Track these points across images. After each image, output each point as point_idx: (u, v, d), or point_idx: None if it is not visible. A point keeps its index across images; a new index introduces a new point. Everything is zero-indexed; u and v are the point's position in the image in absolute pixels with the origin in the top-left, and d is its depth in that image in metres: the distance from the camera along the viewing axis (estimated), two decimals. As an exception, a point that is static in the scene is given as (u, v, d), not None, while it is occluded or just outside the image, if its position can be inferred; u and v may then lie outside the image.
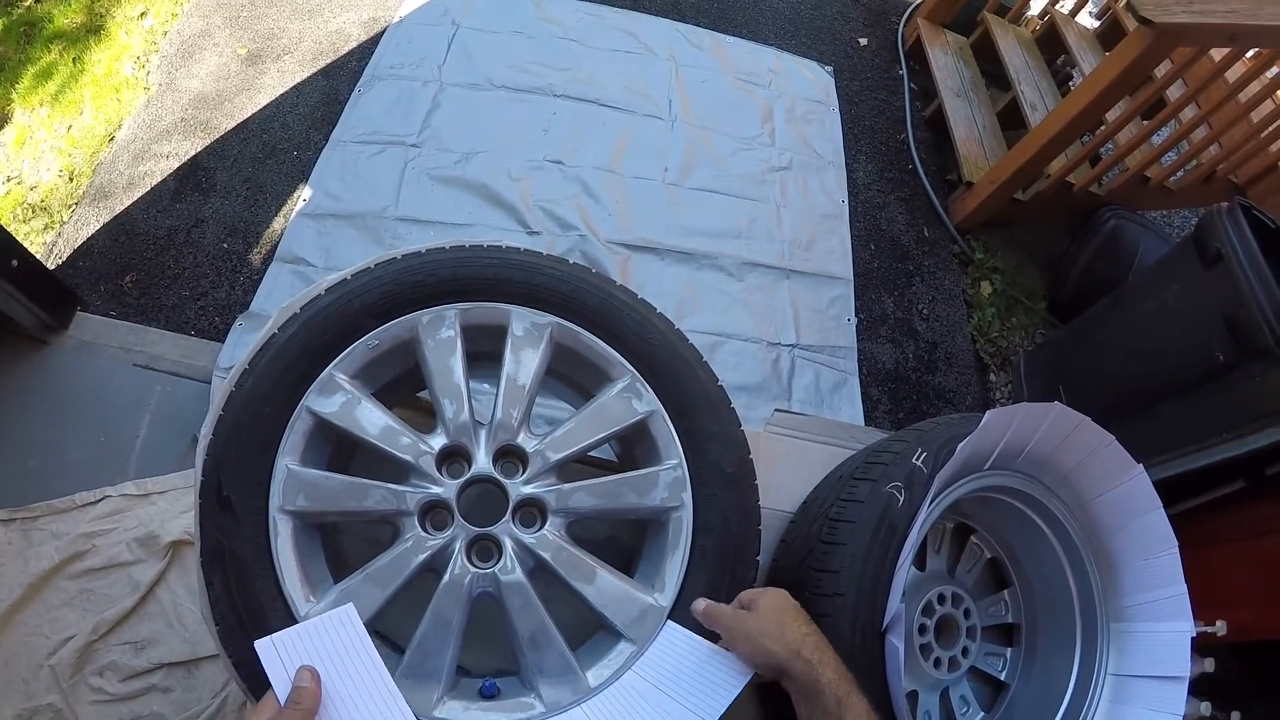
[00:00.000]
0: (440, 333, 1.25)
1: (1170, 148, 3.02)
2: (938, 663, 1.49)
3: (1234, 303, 1.97)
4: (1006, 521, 1.58)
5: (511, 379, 1.25)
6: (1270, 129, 2.91)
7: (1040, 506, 1.50)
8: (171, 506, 1.99)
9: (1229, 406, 2.01)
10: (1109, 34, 3.56)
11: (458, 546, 1.16)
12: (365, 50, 3.21)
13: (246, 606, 1.09)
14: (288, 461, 1.16)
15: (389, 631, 1.22)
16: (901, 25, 4.03)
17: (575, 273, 1.33)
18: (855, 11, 4.06)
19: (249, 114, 2.97)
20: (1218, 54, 2.69)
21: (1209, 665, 1.52)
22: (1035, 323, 3.15)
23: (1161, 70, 2.85)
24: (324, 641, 0.91)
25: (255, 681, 1.07)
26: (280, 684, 0.87)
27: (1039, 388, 2.73)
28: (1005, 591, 1.62)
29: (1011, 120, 3.42)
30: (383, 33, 3.27)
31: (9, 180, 2.84)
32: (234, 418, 1.16)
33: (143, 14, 3.33)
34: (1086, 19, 3.96)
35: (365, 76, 3.10)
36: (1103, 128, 3.01)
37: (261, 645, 0.89)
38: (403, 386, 1.38)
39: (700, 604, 1.11)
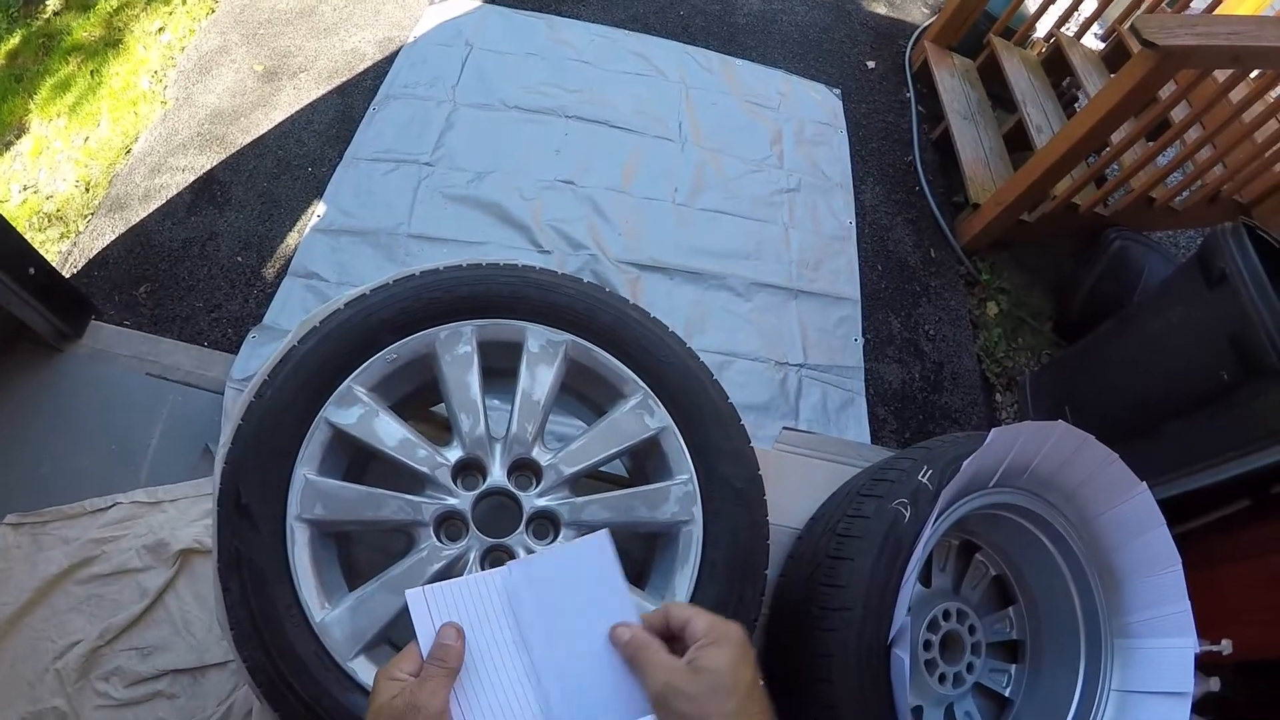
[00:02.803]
0: (457, 348, 1.27)
1: (1175, 169, 3.04)
2: (943, 678, 1.50)
3: (1239, 322, 1.99)
4: (1011, 538, 1.59)
5: (527, 394, 1.28)
6: (1274, 149, 2.91)
7: (1045, 524, 1.52)
8: (182, 515, 2.01)
9: (1234, 425, 2.02)
10: (1114, 56, 3.59)
11: (472, 557, 1.18)
12: (380, 69, 3.25)
13: (262, 612, 1.11)
14: (305, 471, 1.18)
15: (401, 640, 1.23)
16: (909, 48, 4.06)
17: (590, 291, 1.35)
18: (863, 35, 4.10)
19: (264, 130, 3.00)
20: (1221, 75, 2.71)
21: (1214, 684, 1.53)
22: (1041, 343, 3.16)
23: (1166, 92, 2.87)
24: (473, 602, 0.89)
25: (269, 687, 1.09)
26: (425, 636, 0.85)
27: (1045, 408, 2.74)
28: (1010, 608, 1.64)
29: (1018, 142, 3.45)
30: (397, 52, 3.32)
31: (26, 189, 2.88)
32: (253, 427, 1.18)
33: (161, 29, 3.38)
34: (1092, 40, 3.99)
35: (380, 95, 3.14)
36: (1108, 149, 3.02)
37: (412, 595, 0.87)
38: (419, 400, 1.40)
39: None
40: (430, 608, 0.88)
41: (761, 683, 0.80)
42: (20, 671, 1.81)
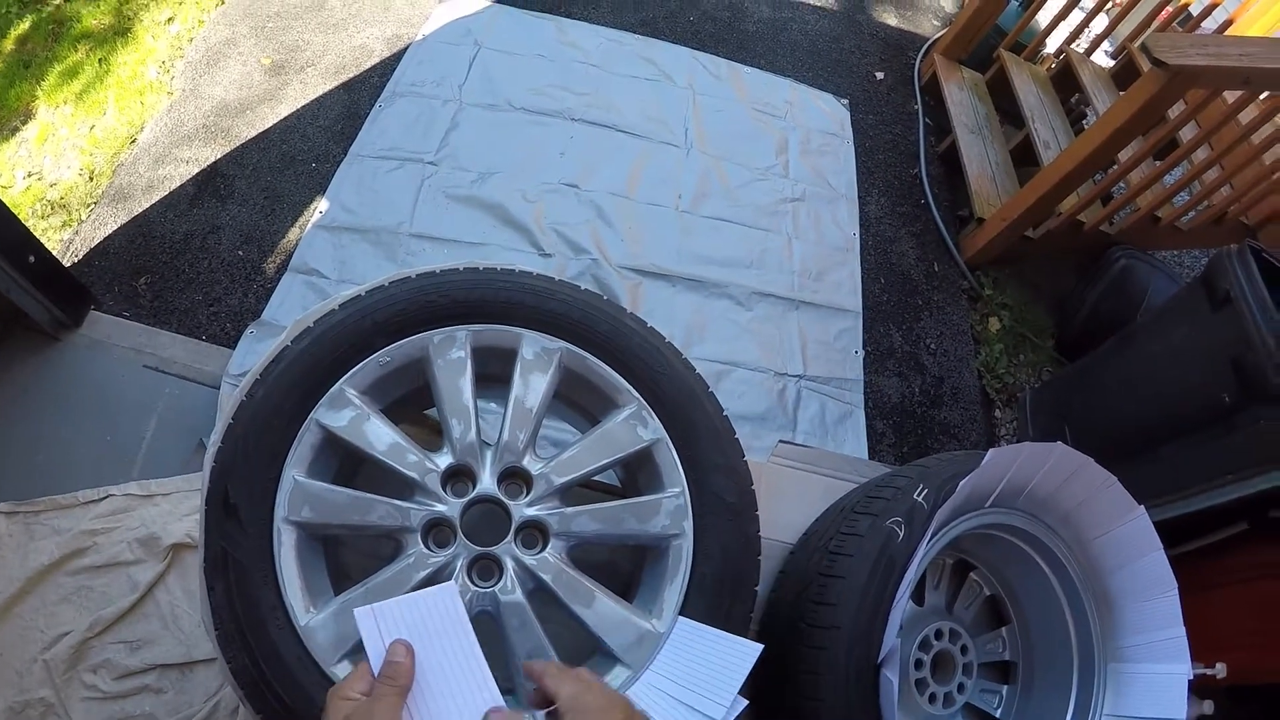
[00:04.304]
0: (451, 353, 1.26)
1: (1182, 188, 3.03)
2: (933, 698, 1.49)
3: (1241, 345, 1.97)
4: (1006, 559, 1.58)
5: (519, 401, 1.27)
6: (1282, 172, 2.92)
7: (1040, 545, 1.50)
8: (174, 509, 2.00)
9: (1233, 449, 2.00)
10: (1124, 74, 3.58)
11: (459, 565, 1.17)
12: (387, 66, 3.25)
13: (246, 614, 1.09)
14: (294, 473, 1.17)
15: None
16: (918, 60, 4.06)
17: (587, 299, 1.34)
18: (873, 46, 4.09)
19: (270, 124, 3.00)
20: (1231, 96, 2.70)
21: (1208, 708, 1.52)
22: (1042, 360, 3.15)
23: (1175, 111, 2.87)
24: (422, 617, 0.91)
25: (251, 689, 1.08)
26: (375, 655, 0.86)
27: (1044, 425, 2.73)
28: (1003, 629, 1.62)
29: (1024, 157, 3.44)
30: (405, 50, 3.32)
31: (30, 176, 2.87)
32: (243, 427, 1.17)
33: (170, 19, 3.38)
34: (1102, 58, 3.99)
35: (386, 93, 3.14)
36: (1115, 167, 3.02)
37: (361, 614, 0.88)
38: (411, 404, 1.39)
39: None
40: (380, 625, 0.89)
41: None
42: (8, 661, 1.80)
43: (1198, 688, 1.41)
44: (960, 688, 1.52)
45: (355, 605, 1.11)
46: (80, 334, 2.26)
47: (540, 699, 0.89)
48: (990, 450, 1.29)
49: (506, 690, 1.22)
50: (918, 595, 1.59)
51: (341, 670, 1.10)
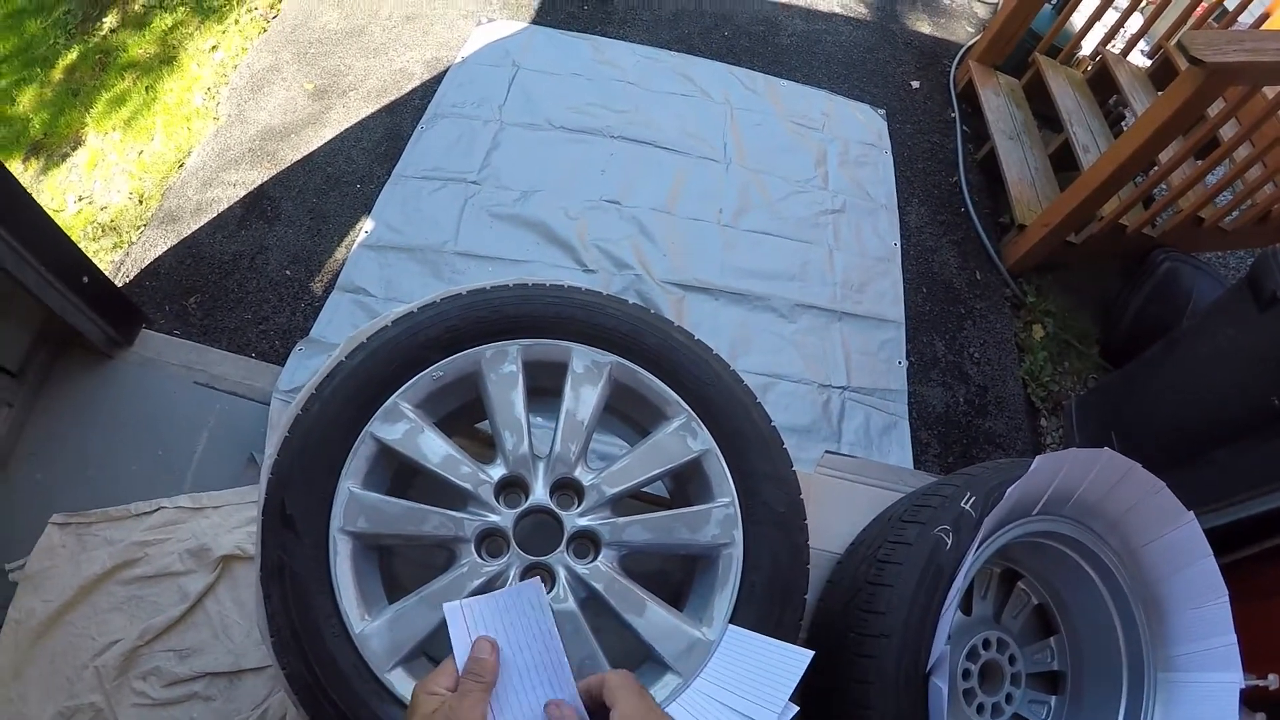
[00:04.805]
0: (503, 367, 1.28)
1: (1224, 188, 2.98)
2: (981, 708, 1.48)
3: (1290, 346, 1.95)
4: (1054, 567, 1.56)
5: (571, 414, 1.28)
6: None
7: (1089, 553, 1.49)
8: (225, 521, 2.04)
9: (1286, 453, 1.97)
10: (1161, 73, 3.53)
11: (512, 574, 1.18)
12: (428, 89, 3.31)
13: (302, 621, 1.12)
14: (350, 484, 1.20)
15: (439, 653, 1.24)
16: (953, 68, 4.04)
17: (635, 313, 1.36)
18: (907, 54, 4.08)
19: (314, 147, 3.07)
20: (1271, 92, 2.66)
21: (1260, 720, 1.50)
22: (1087, 367, 3.12)
23: (1214, 109, 2.83)
24: (508, 614, 0.92)
25: (305, 694, 1.11)
26: (461, 651, 0.87)
27: (1090, 433, 2.69)
28: (1051, 638, 1.60)
29: (1064, 162, 3.41)
30: (445, 72, 3.37)
31: (81, 200, 2.96)
32: (300, 440, 1.20)
33: (214, 47, 3.46)
34: (1139, 57, 3.94)
35: (428, 114, 3.19)
36: (1156, 169, 2.98)
37: (450, 609, 0.90)
38: (463, 417, 1.42)
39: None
40: (467, 621, 0.90)
41: None
42: (60, 667, 1.85)
43: (1249, 698, 1.39)
44: (1008, 698, 1.51)
45: (408, 613, 1.14)
46: (132, 352, 2.32)
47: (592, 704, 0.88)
48: (1037, 457, 1.29)
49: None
50: (965, 604, 1.58)
51: (395, 677, 1.12)
